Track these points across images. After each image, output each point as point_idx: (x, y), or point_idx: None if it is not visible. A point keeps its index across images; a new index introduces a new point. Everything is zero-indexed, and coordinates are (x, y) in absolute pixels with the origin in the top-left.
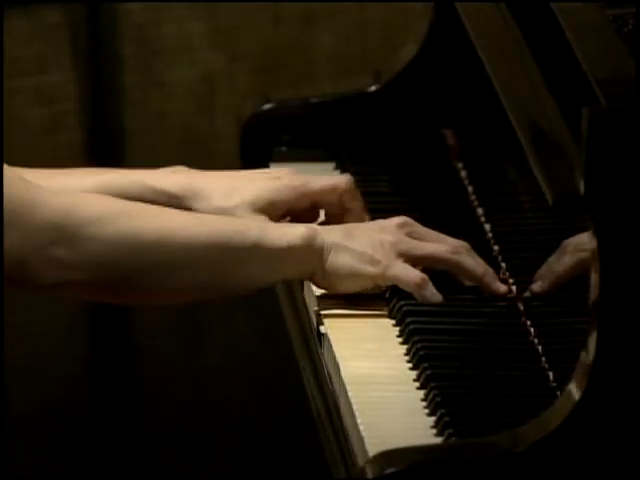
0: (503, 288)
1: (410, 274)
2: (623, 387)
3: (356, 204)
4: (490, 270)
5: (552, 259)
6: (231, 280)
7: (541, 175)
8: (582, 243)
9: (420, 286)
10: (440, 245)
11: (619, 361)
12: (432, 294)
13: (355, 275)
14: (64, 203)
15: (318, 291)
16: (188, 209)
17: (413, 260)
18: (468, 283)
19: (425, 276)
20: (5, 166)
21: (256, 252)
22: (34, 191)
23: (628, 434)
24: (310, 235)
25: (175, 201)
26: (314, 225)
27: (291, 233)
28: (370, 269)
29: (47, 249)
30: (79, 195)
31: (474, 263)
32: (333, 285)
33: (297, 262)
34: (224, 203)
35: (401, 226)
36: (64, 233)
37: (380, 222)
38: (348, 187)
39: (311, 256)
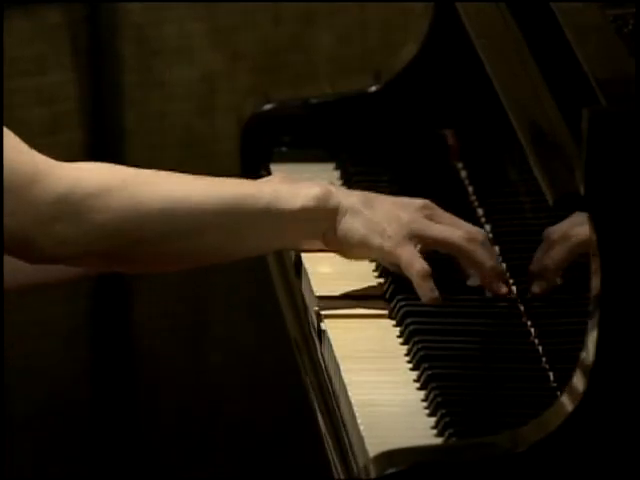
0: (504, 289)
1: (415, 261)
2: (623, 387)
3: None
4: (498, 269)
5: (540, 255)
6: (243, 244)
7: (541, 175)
8: (568, 231)
9: (421, 277)
10: (455, 230)
11: (619, 362)
12: (431, 288)
13: (364, 244)
14: (67, 176)
15: (318, 291)
16: None
17: (426, 240)
18: (470, 283)
19: (429, 269)
20: (12, 135)
21: (268, 215)
22: (38, 163)
23: (628, 434)
24: (324, 195)
25: None
26: (331, 187)
27: (304, 194)
28: (379, 241)
29: (49, 225)
30: (82, 167)
31: (485, 256)
32: (341, 248)
33: (310, 223)
34: None
35: (422, 208)
36: (66, 208)
37: (403, 199)
38: None
39: (324, 216)
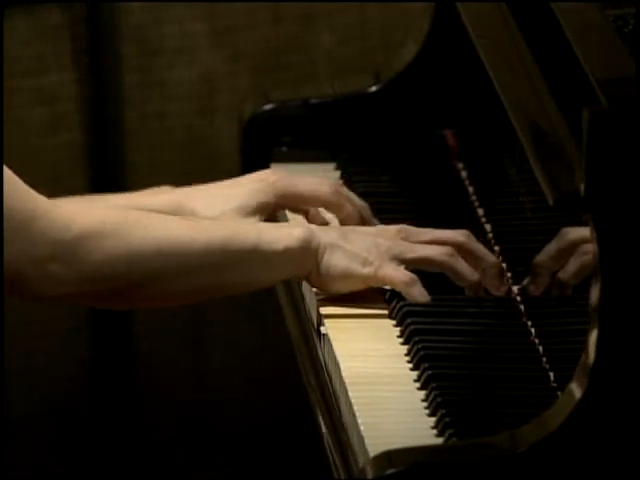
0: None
1: (399, 274)
2: (624, 388)
3: (344, 214)
4: (481, 281)
5: (552, 255)
6: (229, 283)
7: (541, 175)
8: (583, 245)
9: (408, 285)
10: (434, 247)
11: (620, 362)
12: (420, 294)
13: (347, 276)
14: (63, 216)
15: (318, 291)
16: None
17: (406, 262)
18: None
19: (414, 276)
20: (13, 175)
21: (254, 255)
22: (38, 202)
23: (628, 435)
24: (307, 237)
25: None
26: (311, 225)
27: (288, 235)
28: (362, 270)
29: (44, 264)
30: (77, 207)
31: (466, 268)
32: (327, 285)
33: (293, 264)
34: (209, 214)
35: (399, 232)
36: (61, 249)
37: (378, 227)
38: (330, 199)
39: (307, 257)
